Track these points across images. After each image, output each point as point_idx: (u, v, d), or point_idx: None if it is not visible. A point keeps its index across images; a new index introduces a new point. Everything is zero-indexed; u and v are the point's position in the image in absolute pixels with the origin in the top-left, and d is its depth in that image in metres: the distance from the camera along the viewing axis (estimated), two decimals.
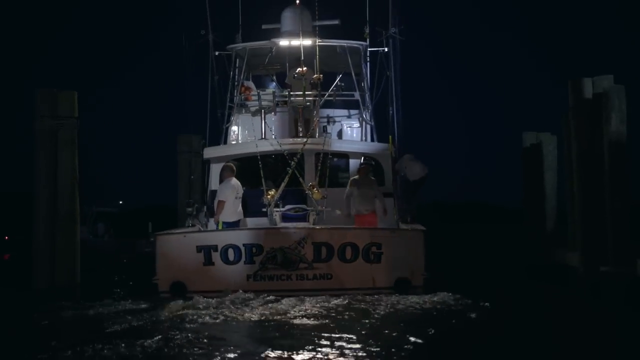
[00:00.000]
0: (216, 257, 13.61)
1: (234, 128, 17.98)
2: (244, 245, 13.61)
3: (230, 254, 13.59)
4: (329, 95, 17.20)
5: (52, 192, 16.01)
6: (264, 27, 18.77)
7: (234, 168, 15.73)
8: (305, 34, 16.92)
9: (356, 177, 15.83)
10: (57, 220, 15.99)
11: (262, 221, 15.64)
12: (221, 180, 15.77)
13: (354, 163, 16.90)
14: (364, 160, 16.39)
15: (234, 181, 15.54)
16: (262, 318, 11.25)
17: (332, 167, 16.52)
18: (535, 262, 19.02)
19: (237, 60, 18.33)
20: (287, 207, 15.41)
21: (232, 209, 15.37)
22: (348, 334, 9.86)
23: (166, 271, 13.64)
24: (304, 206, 15.40)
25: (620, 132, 13.00)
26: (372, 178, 15.91)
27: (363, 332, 10.11)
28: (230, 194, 15.37)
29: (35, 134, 16.17)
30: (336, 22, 18.35)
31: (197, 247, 13.68)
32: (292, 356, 8.72)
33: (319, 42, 16.72)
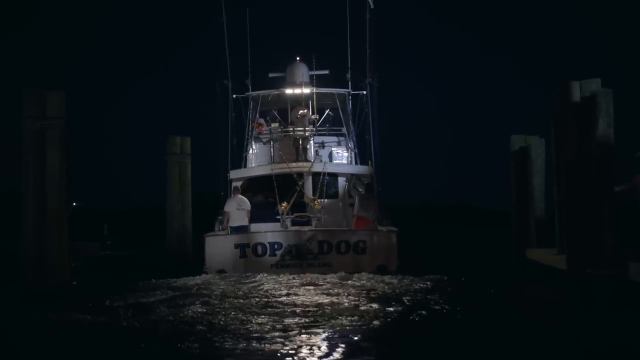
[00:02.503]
0: (249, 251, 19.04)
1: (250, 153, 23.46)
2: (268, 243, 19.07)
3: (259, 249, 19.04)
4: (323, 131, 22.79)
5: (40, 192, 16.06)
6: (270, 75, 24.31)
7: (239, 188, 21.18)
8: (305, 83, 22.51)
9: (362, 191, 21.15)
10: (46, 220, 16.10)
11: (273, 225, 21.03)
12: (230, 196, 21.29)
13: (341, 180, 22.43)
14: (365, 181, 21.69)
15: (238, 197, 20.91)
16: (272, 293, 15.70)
17: (326, 184, 22.05)
18: (521, 261, 19.92)
19: (252, 103, 23.83)
20: (295, 214, 20.84)
21: (235, 217, 20.68)
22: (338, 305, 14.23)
23: (213, 262, 19.08)
24: (307, 214, 20.85)
25: (607, 135, 13.05)
26: (372, 193, 21.14)
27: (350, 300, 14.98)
28: (232, 206, 20.73)
29: (23, 135, 16.25)
30: (326, 72, 23.89)
31: (234, 245, 19.14)
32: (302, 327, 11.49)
33: (315, 90, 22.31)
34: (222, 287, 16.42)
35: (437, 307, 13.26)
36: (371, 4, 22.43)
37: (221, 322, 11.70)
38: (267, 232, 19.78)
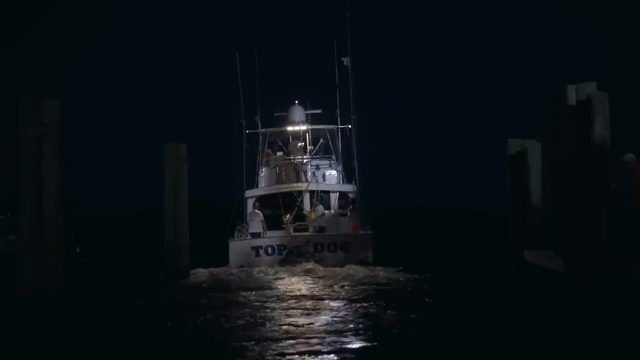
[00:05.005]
0: (261, 252, 25.48)
1: (261, 176, 29.93)
2: (276, 245, 25.53)
3: (269, 250, 25.47)
4: (318, 157, 29.38)
5: (36, 200, 15.70)
6: (275, 114, 30.85)
7: (257, 204, 27.52)
8: (303, 122, 29.09)
9: (351, 206, 27.63)
10: (42, 229, 15.67)
11: (279, 232, 27.30)
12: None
13: (333, 197, 28.80)
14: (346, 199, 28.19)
15: (253, 211, 27.19)
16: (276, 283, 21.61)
17: (320, 199, 28.48)
18: (518, 263, 19.86)
19: (261, 138, 30.38)
20: (296, 223, 27.22)
21: (252, 226, 27.01)
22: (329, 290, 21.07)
23: (235, 260, 25.46)
24: (305, 223, 27.24)
25: (603, 138, 13.10)
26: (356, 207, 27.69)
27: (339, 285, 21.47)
28: (248, 218, 27.15)
29: (19, 142, 15.95)
30: (319, 111, 30.47)
31: (251, 247, 25.60)
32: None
33: (311, 127, 28.88)
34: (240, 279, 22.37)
35: (432, 308, 14.74)
36: (345, 62, 28.92)
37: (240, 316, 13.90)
38: (275, 237, 26.22)
